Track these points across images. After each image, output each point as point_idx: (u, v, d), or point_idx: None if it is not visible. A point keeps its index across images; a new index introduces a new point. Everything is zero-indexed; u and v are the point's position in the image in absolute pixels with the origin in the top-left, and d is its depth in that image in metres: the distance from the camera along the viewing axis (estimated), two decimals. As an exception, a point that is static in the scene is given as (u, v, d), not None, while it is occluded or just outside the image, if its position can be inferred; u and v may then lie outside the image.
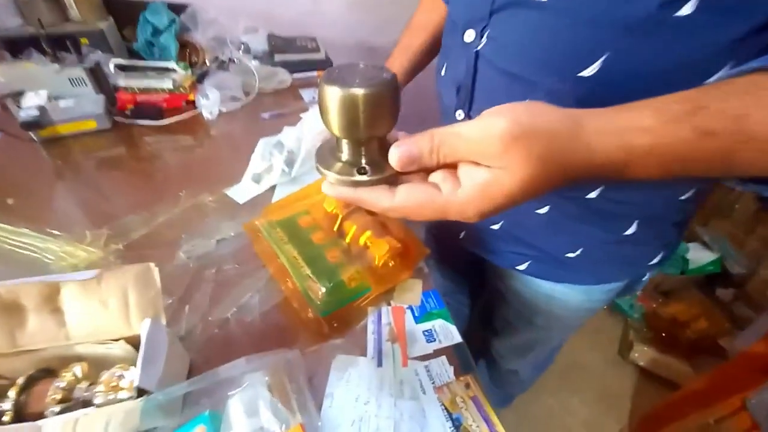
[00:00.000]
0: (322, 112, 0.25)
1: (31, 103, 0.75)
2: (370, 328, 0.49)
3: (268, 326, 0.49)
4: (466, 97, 0.46)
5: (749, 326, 1.32)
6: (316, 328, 0.48)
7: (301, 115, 0.74)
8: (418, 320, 0.50)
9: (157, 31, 0.91)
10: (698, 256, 1.45)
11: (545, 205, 0.49)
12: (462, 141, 0.24)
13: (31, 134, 0.76)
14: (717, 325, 1.35)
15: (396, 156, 0.25)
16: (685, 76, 0.32)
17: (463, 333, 0.49)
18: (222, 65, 0.97)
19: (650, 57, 0.33)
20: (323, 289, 0.45)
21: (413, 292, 0.53)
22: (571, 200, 0.46)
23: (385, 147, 0.26)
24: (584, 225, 0.48)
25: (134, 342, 0.39)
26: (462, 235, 0.64)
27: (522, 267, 0.57)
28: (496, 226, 0.56)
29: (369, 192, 0.27)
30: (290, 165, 0.68)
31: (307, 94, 1.00)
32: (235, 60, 0.98)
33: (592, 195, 0.44)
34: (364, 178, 0.26)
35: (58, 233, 0.60)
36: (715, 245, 1.47)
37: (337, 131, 0.25)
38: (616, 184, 0.43)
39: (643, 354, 1.31)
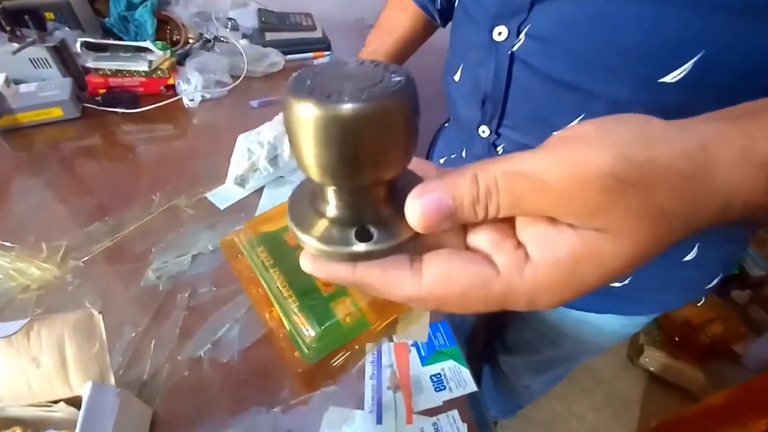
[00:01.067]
0: (293, 145, 0.15)
1: (-16, 88, 0.66)
2: (369, 371, 0.41)
3: (247, 368, 0.41)
4: (495, 110, 0.37)
5: (765, 332, 1.26)
6: (304, 372, 0.40)
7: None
8: (425, 361, 0.43)
9: (132, 5, 0.80)
10: (716, 256, 1.38)
11: None
12: (533, 188, 0.15)
13: (-13, 124, 0.67)
14: (732, 329, 1.29)
15: (418, 210, 0.15)
16: None
17: (467, 340, 0.42)
18: (206, 45, 0.86)
19: (752, 55, 0.24)
20: (313, 333, 0.38)
21: (419, 325, 0.46)
22: None
23: (396, 194, 0.17)
24: None
25: (78, 403, 0.31)
26: None
27: None
28: None
29: (378, 271, 0.17)
30: (274, 163, 0.60)
31: (302, 78, 0.90)
32: (222, 39, 0.87)
33: None
34: (367, 247, 0.16)
35: (10, 245, 0.52)
36: (734, 245, 1.39)
37: (317, 176, 0.15)
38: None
39: (653, 359, 1.25)
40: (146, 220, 0.56)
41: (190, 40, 0.87)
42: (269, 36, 0.92)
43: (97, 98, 0.75)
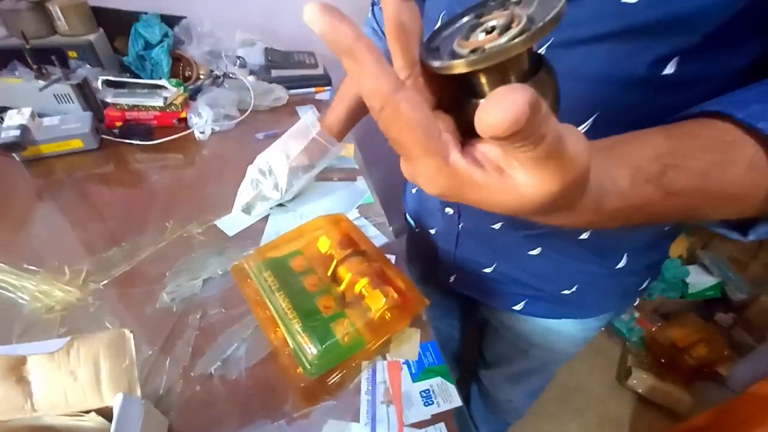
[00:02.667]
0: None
1: (13, 122, 0.71)
2: (364, 387, 0.46)
3: (254, 384, 0.45)
4: None
5: (749, 354, 1.30)
6: (306, 388, 0.45)
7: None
8: (415, 378, 0.47)
9: (149, 45, 0.87)
10: (698, 280, 1.43)
11: (537, 246, 0.50)
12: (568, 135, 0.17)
13: (13, 154, 0.72)
14: (717, 351, 1.34)
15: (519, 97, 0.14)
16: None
17: (455, 357, 0.47)
18: (216, 81, 0.93)
19: (640, 114, 0.32)
20: (315, 351, 0.42)
21: (410, 345, 0.50)
22: (563, 240, 0.48)
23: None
24: (578, 262, 0.49)
25: (107, 414, 0.35)
26: (452, 279, 0.63)
27: (518, 307, 0.57)
28: (488, 270, 0.56)
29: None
30: (276, 188, 0.65)
31: (303, 111, 0.96)
32: (231, 75, 0.94)
33: (584, 236, 0.46)
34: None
35: (35, 269, 0.56)
36: (716, 269, 1.45)
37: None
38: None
39: (641, 381, 1.29)
40: (161, 245, 0.61)
41: (201, 77, 0.93)
42: (275, 73, 0.99)
43: (114, 130, 0.81)
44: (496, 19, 0.17)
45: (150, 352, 0.47)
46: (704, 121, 0.26)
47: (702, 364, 1.32)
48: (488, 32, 0.17)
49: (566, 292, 0.52)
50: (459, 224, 0.55)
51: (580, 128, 0.34)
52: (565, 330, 0.60)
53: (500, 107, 0.13)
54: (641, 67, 0.31)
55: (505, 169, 0.18)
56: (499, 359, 0.76)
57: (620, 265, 0.49)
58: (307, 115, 0.66)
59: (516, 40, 0.15)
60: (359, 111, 0.65)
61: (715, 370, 1.33)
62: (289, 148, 0.64)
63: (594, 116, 0.35)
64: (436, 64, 0.17)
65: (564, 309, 0.56)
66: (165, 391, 0.44)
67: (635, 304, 0.62)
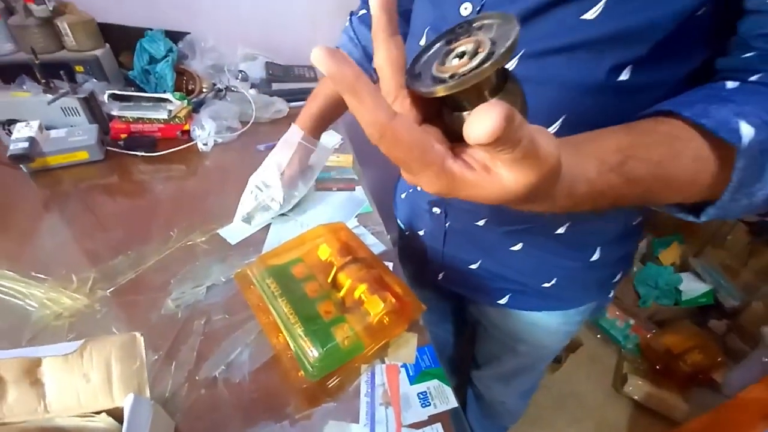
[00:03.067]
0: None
1: (22, 134, 0.73)
2: (363, 389, 0.47)
3: (257, 387, 0.47)
4: None
5: (743, 360, 1.32)
6: (307, 390, 0.46)
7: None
8: (412, 380, 0.49)
9: (153, 60, 0.90)
10: (691, 287, 1.46)
11: (518, 242, 0.53)
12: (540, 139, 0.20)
13: (21, 166, 0.74)
14: (711, 357, 1.35)
15: (496, 113, 0.17)
16: None
17: (450, 361, 0.48)
18: (218, 94, 0.96)
19: (602, 115, 0.36)
20: (316, 354, 0.44)
21: (408, 348, 0.52)
22: (541, 235, 0.52)
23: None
24: (555, 257, 0.53)
25: (116, 414, 0.37)
26: (441, 276, 0.66)
27: (503, 301, 0.61)
28: (474, 266, 0.59)
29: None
30: (274, 200, 0.67)
31: (304, 123, 0.99)
32: (233, 88, 0.97)
33: (561, 230, 0.50)
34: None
35: (43, 277, 0.58)
36: (708, 276, 1.47)
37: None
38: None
39: (637, 388, 1.30)
40: (165, 254, 0.63)
41: (204, 90, 0.96)
42: (275, 86, 1.02)
43: (119, 142, 0.83)
44: (464, 45, 0.21)
45: (156, 357, 0.49)
46: (658, 119, 0.31)
47: (697, 371, 1.33)
48: (460, 57, 0.21)
49: (546, 285, 0.56)
50: (446, 223, 0.58)
51: (550, 129, 0.39)
52: (549, 324, 0.64)
53: (482, 123, 0.17)
54: (600, 74, 0.36)
55: (491, 168, 0.22)
56: (490, 359, 0.79)
57: (594, 258, 0.53)
58: (291, 127, 0.70)
59: (485, 65, 0.19)
60: (330, 109, 0.69)
61: (710, 376, 1.35)
62: (280, 159, 0.67)
63: (562, 118, 0.39)
64: (422, 89, 0.21)
65: (545, 302, 0.59)
66: (171, 394, 0.46)
67: (610, 296, 0.64)
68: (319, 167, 0.72)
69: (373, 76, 0.67)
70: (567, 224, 0.50)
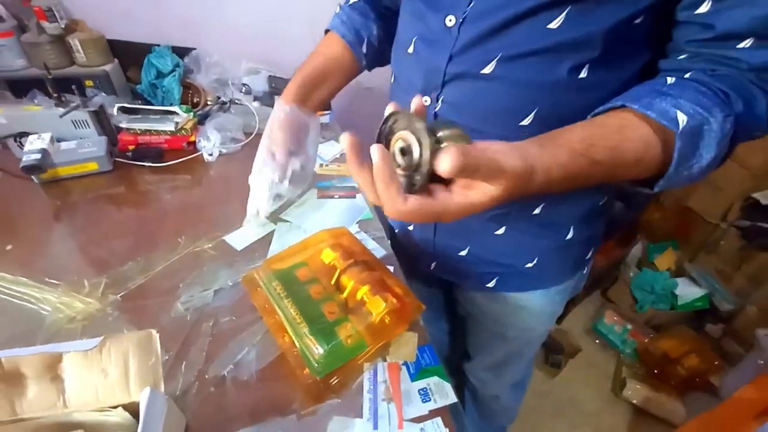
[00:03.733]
0: None
1: (34, 146, 0.76)
2: (366, 386, 0.49)
3: (264, 385, 0.49)
4: None
5: (738, 363, 1.33)
6: (313, 387, 0.48)
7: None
8: (413, 377, 0.51)
9: (161, 74, 0.94)
10: (687, 291, 1.48)
11: (502, 226, 0.58)
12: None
13: (32, 177, 0.77)
14: (707, 361, 1.37)
15: (452, 158, 0.28)
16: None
17: (447, 362, 0.50)
18: (223, 106, 0.99)
19: (567, 107, 0.44)
20: (321, 351, 0.46)
21: (408, 347, 0.54)
22: (521, 219, 0.57)
23: None
24: (535, 238, 0.58)
25: (132, 409, 0.39)
26: (433, 266, 0.69)
27: (491, 284, 0.65)
28: (463, 253, 0.63)
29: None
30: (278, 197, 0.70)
31: (305, 134, 1.02)
32: (237, 101, 1.00)
33: (537, 211, 0.56)
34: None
35: (56, 282, 0.60)
36: (703, 281, 1.49)
37: None
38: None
39: (636, 392, 1.31)
40: (173, 260, 0.65)
41: (209, 103, 1.00)
42: (278, 98, 1.05)
43: (127, 153, 0.86)
44: (400, 141, 0.32)
45: (166, 357, 0.51)
46: (611, 113, 0.39)
47: (694, 374, 1.35)
48: (402, 154, 0.32)
49: (529, 265, 0.61)
50: None
51: (525, 120, 0.46)
52: (533, 306, 0.68)
53: (445, 165, 0.28)
54: (563, 73, 0.43)
55: (469, 188, 0.32)
56: (480, 349, 0.82)
57: (568, 237, 0.58)
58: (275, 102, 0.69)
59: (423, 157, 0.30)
60: (317, 77, 0.68)
61: (706, 379, 1.36)
62: (266, 140, 0.68)
63: (534, 111, 0.45)
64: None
65: (529, 282, 0.64)
66: (181, 392, 0.48)
67: (585, 272, 0.70)
68: (313, 140, 0.71)
69: (362, 60, 0.69)
70: (542, 205, 0.55)
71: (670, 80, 0.39)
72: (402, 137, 0.32)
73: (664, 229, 1.63)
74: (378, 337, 0.51)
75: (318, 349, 0.46)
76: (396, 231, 0.76)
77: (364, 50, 0.68)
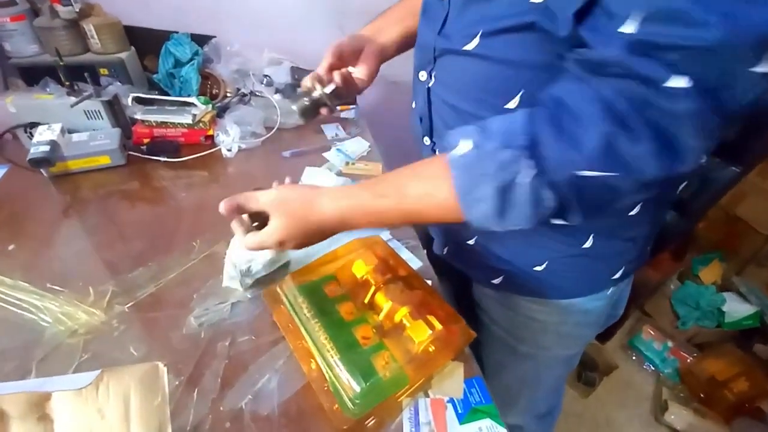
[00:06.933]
0: None
1: (43, 137, 0.71)
2: (407, 427, 0.42)
3: (287, 422, 0.42)
4: (427, 125, 0.54)
5: (794, 390, 1.21)
6: (343, 426, 0.41)
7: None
8: (461, 419, 0.43)
9: (179, 63, 0.88)
10: (735, 308, 1.36)
11: None
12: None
13: (41, 170, 0.72)
14: (758, 385, 1.25)
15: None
16: None
17: None
18: (243, 99, 0.93)
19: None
20: (358, 389, 0.39)
21: (454, 380, 0.46)
22: None
23: None
24: (547, 238, 0.52)
25: (133, 456, 0.32)
26: (445, 250, 0.66)
27: (497, 281, 0.60)
28: (471, 242, 0.59)
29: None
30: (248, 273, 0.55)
31: (329, 129, 0.95)
32: (257, 93, 0.94)
33: None
34: None
35: (59, 289, 0.54)
36: (753, 297, 1.37)
37: None
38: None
39: (679, 417, 1.21)
40: (187, 266, 0.58)
41: (229, 95, 0.93)
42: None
43: (142, 147, 0.80)
44: None
45: (177, 383, 0.44)
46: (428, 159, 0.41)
47: (743, 400, 1.23)
48: None
49: (538, 268, 0.55)
50: None
51: (511, 102, 0.41)
52: (546, 320, 0.61)
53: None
54: (548, 53, 0.37)
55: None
56: (497, 369, 0.73)
57: (587, 245, 0.51)
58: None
59: None
60: (389, 15, 0.64)
61: (756, 405, 1.25)
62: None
63: (520, 93, 0.41)
64: None
65: (538, 288, 0.57)
66: (192, 427, 0.41)
67: (609, 292, 0.59)
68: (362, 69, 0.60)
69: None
70: None
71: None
72: None
73: (710, 240, 1.51)
74: (421, 370, 0.43)
75: (353, 385, 0.39)
76: None
77: None
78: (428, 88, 0.50)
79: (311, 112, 0.59)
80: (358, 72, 0.59)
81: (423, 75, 0.51)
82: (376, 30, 0.62)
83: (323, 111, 0.59)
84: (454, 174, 0.35)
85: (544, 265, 0.54)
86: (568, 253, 0.53)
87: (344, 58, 0.58)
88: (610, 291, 0.59)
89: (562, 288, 0.57)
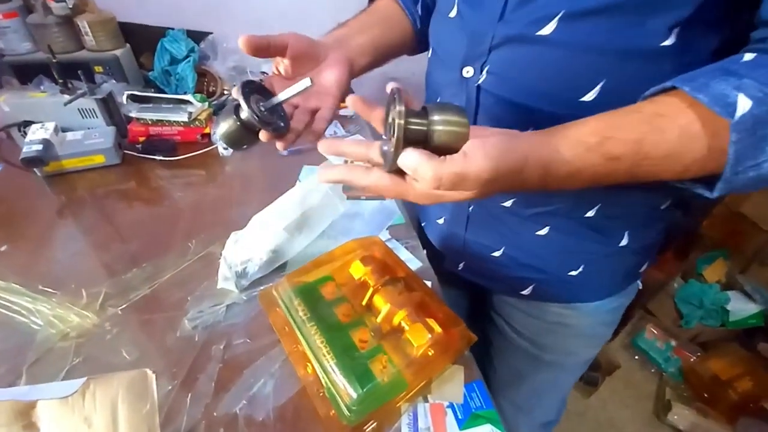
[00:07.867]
0: None
1: (36, 136, 0.70)
2: (405, 433, 0.41)
3: (283, 427, 0.41)
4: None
5: (799, 389, 1.20)
6: (341, 433, 0.40)
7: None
8: (462, 425, 0.42)
9: (175, 60, 0.86)
10: (739, 307, 1.35)
11: (545, 226, 0.50)
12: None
13: (35, 170, 0.71)
14: (761, 384, 1.24)
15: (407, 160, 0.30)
16: None
17: None
18: (241, 96, 0.91)
19: (642, 80, 0.34)
20: (354, 395, 0.38)
21: (453, 384, 0.45)
22: (569, 218, 0.49)
23: None
24: (583, 241, 0.50)
25: (122, 465, 0.31)
26: (461, 266, 0.62)
27: (526, 291, 0.57)
28: (497, 254, 0.56)
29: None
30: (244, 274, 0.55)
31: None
32: (255, 91, 0.92)
33: (590, 213, 0.47)
34: None
35: (52, 291, 0.53)
36: (758, 296, 1.36)
37: None
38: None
39: (682, 417, 1.20)
40: (182, 267, 0.57)
41: (225, 92, 0.92)
42: (299, 88, 0.97)
43: (137, 146, 0.79)
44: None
45: (170, 387, 0.43)
46: (657, 97, 0.32)
47: (747, 399, 1.22)
48: None
49: (573, 273, 0.53)
50: (469, 207, 0.55)
51: (588, 95, 0.38)
52: (577, 324, 0.59)
53: (403, 162, 0.29)
54: (641, 38, 0.34)
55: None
56: (509, 378, 0.71)
57: (623, 243, 0.50)
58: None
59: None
60: (353, 25, 0.55)
61: (761, 405, 1.24)
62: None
63: (600, 84, 0.37)
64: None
65: (571, 292, 0.55)
66: (185, 433, 0.40)
67: (633, 286, 0.59)
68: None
69: (416, 21, 0.57)
70: (598, 206, 0.47)
71: (748, 57, 0.30)
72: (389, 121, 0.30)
73: (714, 238, 1.49)
74: (420, 374, 0.42)
75: (350, 392, 0.38)
76: (423, 224, 0.68)
77: (419, 11, 0.57)
78: (477, 86, 0.44)
79: (240, 138, 0.39)
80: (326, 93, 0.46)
81: (468, 71, 0.44)
82: (337, 39, 0.50)
83: (264, 137, 0.40)
84: (736, 137, 0.28)
85: (579, 269, 0.52)
86: (603, 253, 0.51)
87: (299, 58, 0.44)
88: (635, 285, 0.59)
89: (598, 289, 0.56)
